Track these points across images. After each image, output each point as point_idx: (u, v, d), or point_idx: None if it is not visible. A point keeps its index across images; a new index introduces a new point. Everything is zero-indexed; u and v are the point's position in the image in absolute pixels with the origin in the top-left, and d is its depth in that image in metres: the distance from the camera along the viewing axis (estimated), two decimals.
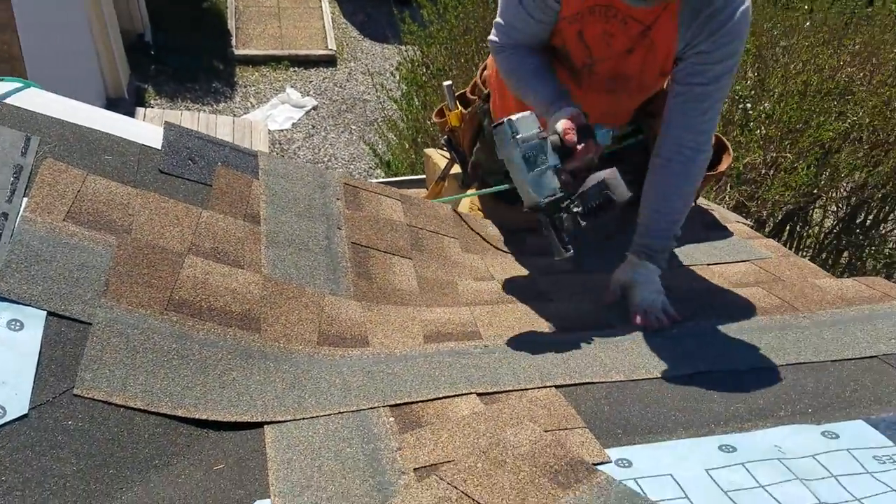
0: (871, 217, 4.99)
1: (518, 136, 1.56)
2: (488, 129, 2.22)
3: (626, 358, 1.58)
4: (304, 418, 1.34)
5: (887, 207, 4.93)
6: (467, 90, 2.45)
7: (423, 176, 3.21)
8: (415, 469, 1.22)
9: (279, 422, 1.34)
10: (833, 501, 1.13)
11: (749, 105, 4.26)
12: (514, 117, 1.57)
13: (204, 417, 1.31)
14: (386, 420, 1.36)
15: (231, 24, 10.02)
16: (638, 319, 1.74)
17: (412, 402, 1.41)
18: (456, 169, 2.56)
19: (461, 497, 1.12)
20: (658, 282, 1.82)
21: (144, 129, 1.98)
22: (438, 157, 2.75)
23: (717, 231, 2.33)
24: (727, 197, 4.22)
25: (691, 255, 2.16)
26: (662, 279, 1.83)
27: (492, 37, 1.93)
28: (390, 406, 1.40)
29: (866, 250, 4.98)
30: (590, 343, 1.63)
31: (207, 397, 1.34)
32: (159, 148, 1.85)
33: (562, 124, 1.64)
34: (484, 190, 2.36)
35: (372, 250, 1.89)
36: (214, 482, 1.21)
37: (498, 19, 1.89)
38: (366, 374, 1.49)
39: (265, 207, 1.83)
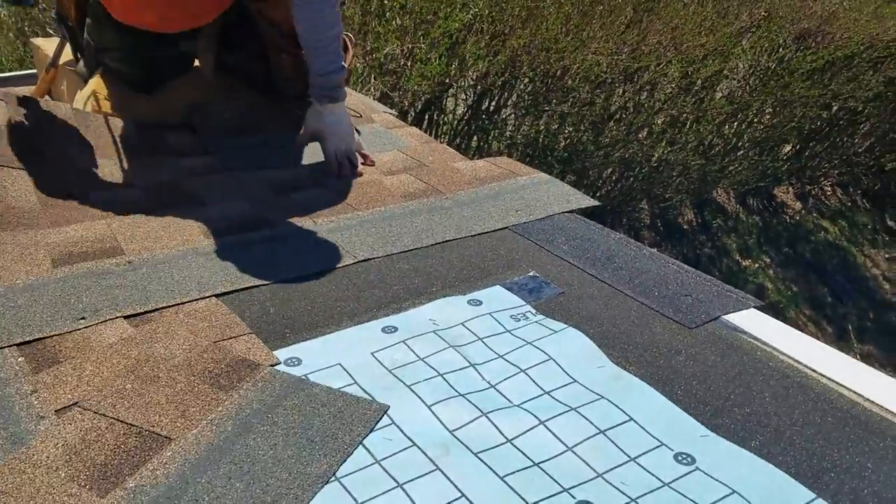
0: (493, 103, 5.54)
1: None
2: None
3: (289, 255, 1.54)
4: None
5: (506, 94, 5.51)
6: None
7: (34, 71, 2.73)
8: (56, 411, 1.06)
9: None
10: (481, 360, 1.25)
11: None
12: None
13: None
14: (14, 361, 1.16)
15: None
16: (337, 170, 1.93)
17: (45, 337, 1.22)
18: (69, 55, 2.20)
19: (113, 423, 1.01)
20: (346, 123, 1.97)
21: None
22: (48, 45, 2.35)
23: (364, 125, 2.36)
24: (372, 88, 4.33)
25: None
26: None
27: None
28: (17, 345, 1.20)
29: (491, 133, 5.55)
30: (249, 245, 1.56)
31: None
32: None
33: None
34: None
35: None
36: None
37: None
38: None
39: None
